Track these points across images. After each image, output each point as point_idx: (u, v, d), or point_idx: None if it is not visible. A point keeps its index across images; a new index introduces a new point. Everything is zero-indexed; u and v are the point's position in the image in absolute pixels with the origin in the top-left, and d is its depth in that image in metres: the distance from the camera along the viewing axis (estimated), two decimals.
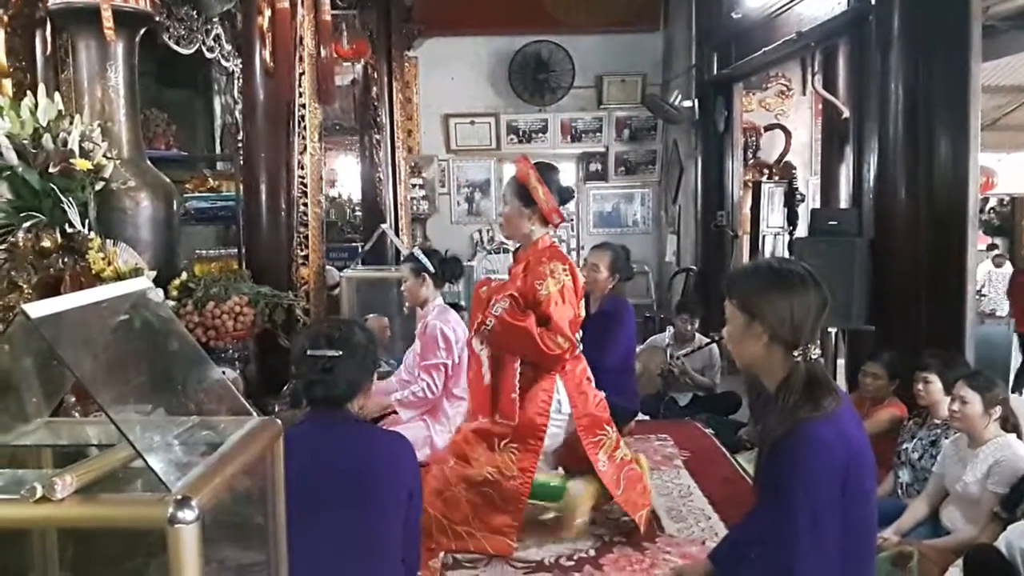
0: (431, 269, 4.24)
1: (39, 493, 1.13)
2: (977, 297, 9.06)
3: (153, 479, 1.17)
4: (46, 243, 3.16)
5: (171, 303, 3.77)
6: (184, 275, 4.04)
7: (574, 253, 9.76)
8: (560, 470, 3.58)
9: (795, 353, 1.84)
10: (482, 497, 3.29)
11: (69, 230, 3.22)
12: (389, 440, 2.38)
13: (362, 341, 2.26)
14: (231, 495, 1.31)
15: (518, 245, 3.68)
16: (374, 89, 7.94)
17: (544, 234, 3.43)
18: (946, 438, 3.70)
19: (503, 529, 3.28)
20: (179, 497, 1.12)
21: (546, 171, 3.46)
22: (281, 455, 1.50)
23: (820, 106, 8.71)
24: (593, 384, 3.52)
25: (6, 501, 1.16)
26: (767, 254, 8.25)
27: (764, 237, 8.44)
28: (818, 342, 1.89)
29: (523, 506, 3.30)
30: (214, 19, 4.86)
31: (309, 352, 2.22)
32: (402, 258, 4.57)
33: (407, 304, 4.51)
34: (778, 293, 1.86)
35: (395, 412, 4.21)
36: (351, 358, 2.21)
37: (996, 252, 10.84)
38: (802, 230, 7.60)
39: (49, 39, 4.11)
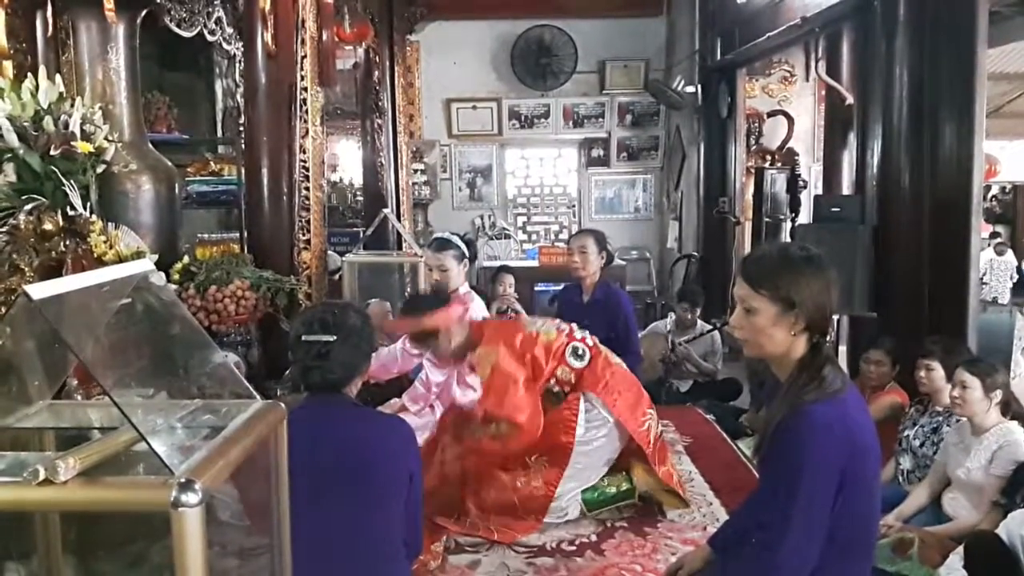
0: (470, 254, 4.23)
1: (42, 476, 1.13)
2: (980, 285, 9.06)
3: (156, 462, 1.16)
4: (48, 226, 3.16)
5: (173, 287, 3.76)
6: (186, 259, 4.03)
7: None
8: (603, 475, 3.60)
9: (820, 338, 1.86)
10: (506, 501, 3.35)
11: (71, 213, 3.21)
12: (388, 423, 2.38)
13: (357, 324, 2.25)
14: (235, 478, 1.31)
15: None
16: (376, 73, 7.90)
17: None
18: (948, 425, 3.70)
19: (520, 530, 3.34)
20: (183, 480, 1.12)
21: None
22: (285, 438, 1.49)
23: (823, 92, 8.69)
24: (616, 368, 3.54)
25: (9, 484, 1.15)
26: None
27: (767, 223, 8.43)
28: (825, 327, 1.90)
29: (544, 515, 3.36)
30: (215, 1, 4.83)
31: (304, 337, 2.21)
32: (431, 243, 4.39)
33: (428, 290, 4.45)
34: (814, 279, 1.84)
35: (397, 397, 4.22)
36: (346, 342, 2.20)
37: (998, 240, 10.81)
38: (804, 217, 7.60)
39: (50, 21, 4.08)
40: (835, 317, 1.93)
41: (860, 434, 1.81)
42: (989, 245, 10.06)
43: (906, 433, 3.90)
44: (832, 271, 1.88)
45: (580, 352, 3.48)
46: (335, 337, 2.19)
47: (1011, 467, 3.27)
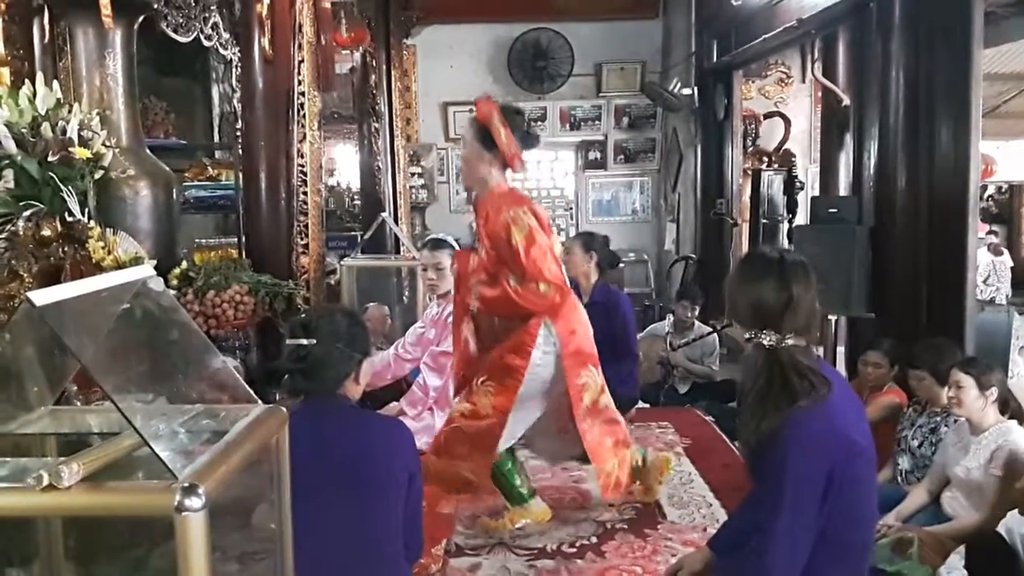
0: None
1: (46, 481, 1.13)
2: (981, 285, 9.10)
3: (158, 467, 1.16)
4: (46, 232, 3.16)
5: (172, 292, 3.76)
6: (184, 264, 4.04)
7: None
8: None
9: (747, 334, 1.91)
10: (454, 433, 3.27)
11: (69, 219, 3.21)
12: (385, 425, 2.38)
13: (341, 328, 2.23)
14: (237, 482, 1.31)
15: (475, 194, 3.46)
16: (372, 77, 7.91)
17: (501, 180, 3.28)
18: (946, 426, 3.70)
19: (474, 470, 3.25)
20: (186, 485, 1.12)
21: (510, 114, 3.28)
22: (286, 442, 1.50)
23: (820, 94, 8.70)
24: (589, 330, 3.43)
25: (13, 489, 1.15)
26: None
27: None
28: (795, 332, 1.89)
29: (495, 447, 3.24)
30: (212, 7, 4.84)
31: (287, 342, 2.21)
32: (426, 243, 4.41)
33: (432, 292, 4.44)
34: (740, 281, 1.97)
35: (395, 401, 4.23)
36: (328, 346, 2.19)
37: (992, 241, 10.80)
38: (802, 218, 7.61)
39: (47, 27, 4.10)
40: (785, 322, 1.92)
41: (850, 436, 1.83)
42: (983, 245, 10.06)
43: (904, 434, 3.90)
44: (775, 278, 1.90)
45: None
46: (315, 341, 2.18)
47: (1012, 467, 3.27)
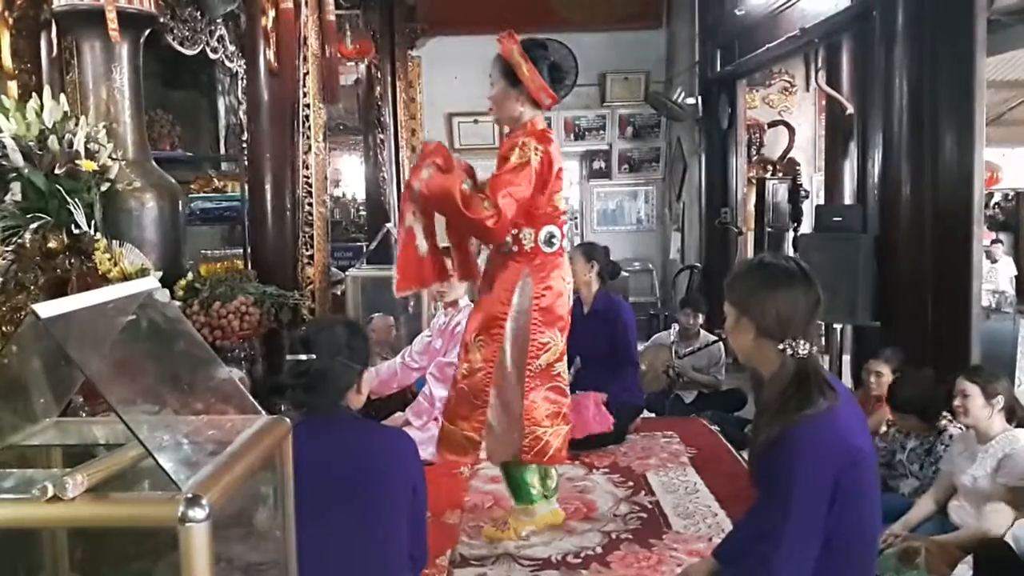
0: None
1: (51, 492, 1.14)
2: (996, 294, 9.09)
3: (163, 478, 1.17)
4: (53, 244, 3.18)
5: (177, 303, 3.78)
6: (190, 275, 4.05)
7: None
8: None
9: (780, 346, 1.87)
10: (458, 395, 3.32)
11: (75, 231, 3.23)
12: (390, 436, 2.38)
13: (340, 340, 2.24)
14: (241, 494, 1.32)
15: (507, 130, 3.44)
16: (378, 89, 7.95)
17: (536, 115, 3.24)
18: (941, 443, 3.72)
19: (473, 427, 3.28)
20: (190, 496, 1.12)
21: (532, 48, 3.25)
22: (290, 453, 1.50)
23: (824, 102, 8.70)
24: (567, 297, 3.37)
25: (18, 501, 1.16)
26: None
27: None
28: (811, 339, 1.90)
29: (488, 400, 3.26)
30: (218, 20, 4.86)
31: (287, 357, 2.22)
32: None
33: (440, 302, 4.44)
34: (763, 289, 1.92)
35: (400, 411, 4.23)
36: (328, 360, 2.19)
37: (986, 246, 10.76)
38: (806, 227, 7.61)
39: (54, 41, 4.12)
40: (806, 328, 1.92)
41: (855, 445, 1.83)
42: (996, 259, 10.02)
43: (898, 458, 3.89)
44: (801, 285, 1.90)
45: (554, 240, 3.30)
46: (313, 355, 2.19)
47: (1021, 475, 3.25)
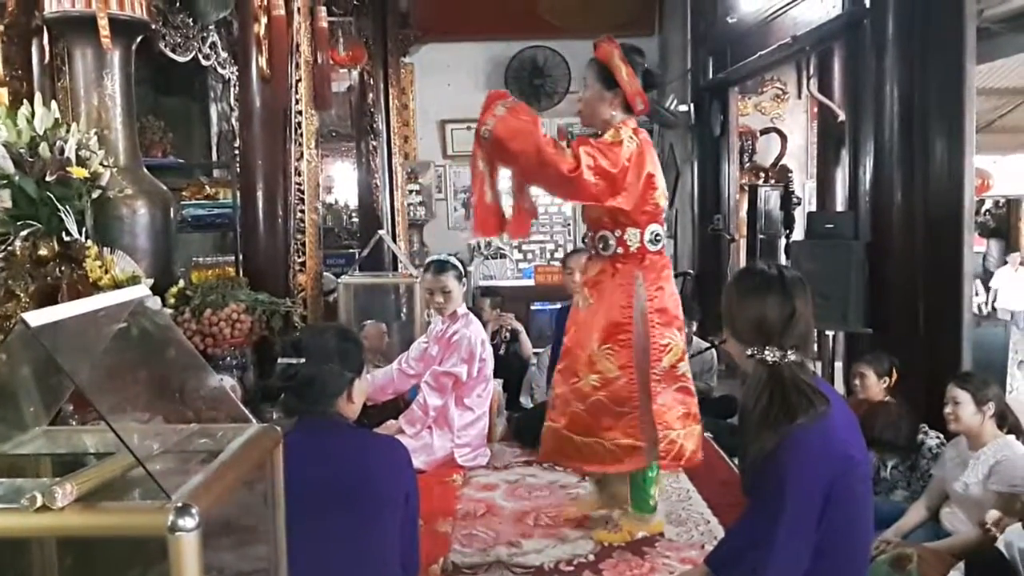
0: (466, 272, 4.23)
1: (39, 502, 1.13)
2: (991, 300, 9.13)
3: (152, 487, 1.16)
4: (43, 251, 3.17)
5: (168, 311, 3.76)
6: (181, 283, 4.04)
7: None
8: None
9: (748, 351, 1.91)
10: (595, 408, 3.22)
11: (66, 238, 3.23)
12: (383, 443, 2.38)
13: (331, 346, 2.24)
14: (231, 502, 1.31)
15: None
16: (370, 95, 7.95)
17: (627, 119, 3.23)
18: (923, 457, 3.73)
19: (626, 434, 3.19)
20: (179, 505, 1.12)
21: (631, 52, 3.25)
22: (281, 462, 1.49)
23: (815, 109, 8.75)
24: (676, 294, 3.36)
25: (6, 510, 1.15)
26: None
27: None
28: (790, 347, 1.90)
29: (637, 404, 3.18)
30: (210, 27, 4.87)
31: (279, 361, 2.22)
32: (429, 266, 4.36)
33: (432, 311, 4.43)
34: (738, 296, 1.97)
35: (394, 418, 4.22)
36: (318, 364, 2.19)
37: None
38: (799, 233, 7.62)
39: (46, 48, 4.12)
40: (785, 337, 1.92)
41: (847, 452, 1.84)
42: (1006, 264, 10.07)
43: (883, 475, 3.91)
44: (779, 293, 1.91)
45: (659, 238, 3.27)
46: (303, 360, 2.19)
47: (1012, 481, 3.26)
